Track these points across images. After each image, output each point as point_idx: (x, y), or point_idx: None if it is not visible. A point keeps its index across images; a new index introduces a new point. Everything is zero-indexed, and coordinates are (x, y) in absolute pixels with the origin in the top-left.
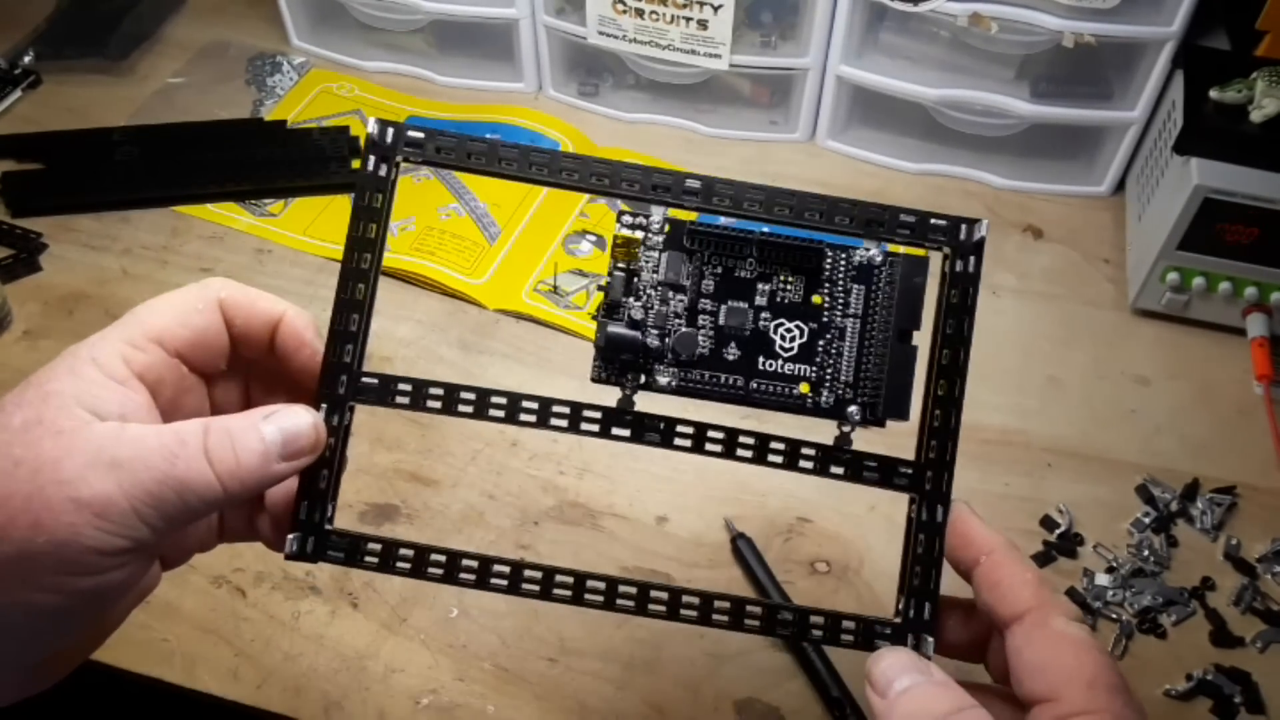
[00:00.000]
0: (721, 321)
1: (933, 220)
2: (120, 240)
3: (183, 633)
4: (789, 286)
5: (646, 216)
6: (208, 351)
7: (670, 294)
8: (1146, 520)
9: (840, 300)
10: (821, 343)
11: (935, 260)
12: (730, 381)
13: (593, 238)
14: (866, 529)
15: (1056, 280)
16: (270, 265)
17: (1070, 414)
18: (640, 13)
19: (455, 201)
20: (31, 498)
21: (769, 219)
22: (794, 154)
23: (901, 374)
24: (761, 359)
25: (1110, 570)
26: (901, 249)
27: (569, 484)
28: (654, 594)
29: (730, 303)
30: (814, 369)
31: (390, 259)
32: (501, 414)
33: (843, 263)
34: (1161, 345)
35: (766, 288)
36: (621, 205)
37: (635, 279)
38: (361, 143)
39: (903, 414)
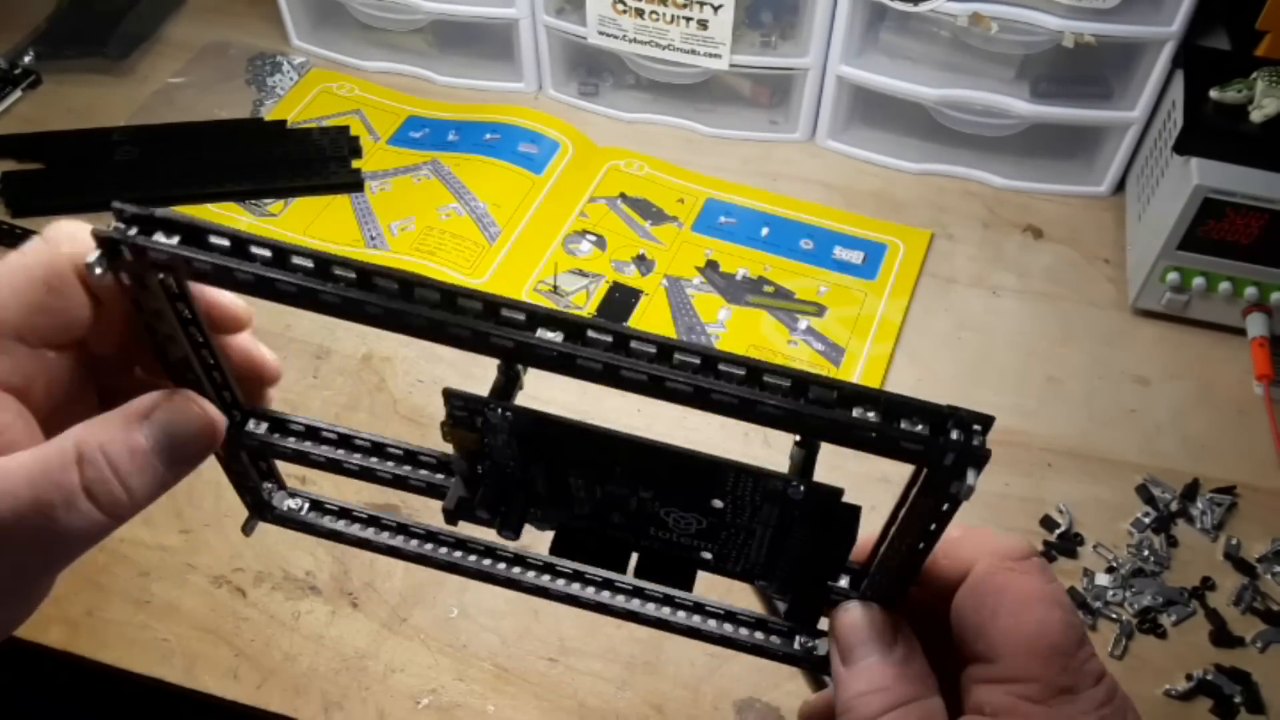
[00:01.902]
0: (599, 496)
1: (903, 443)
2: None
3: (183, 633)
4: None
5: (484, 408)
6: (62, 325)
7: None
8: (1147, 520)
9: (746, 513)
10: (725, 534)
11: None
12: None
13: (593, 238)
14: (866, 529)
15: (1056, 280)
16: None
17: (1070, 414)
18: (640, 13)
19: (455, 201)
20: None
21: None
22: (794, 154)
23: (815, 591)
24: (652, 528)
25: (1110, 570)
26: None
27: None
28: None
29: (606, 486)
30: (716, 546)
31: (390, 259)
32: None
33: (749, 486)
34: (1161, 345)
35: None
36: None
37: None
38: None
39: (811, 630)
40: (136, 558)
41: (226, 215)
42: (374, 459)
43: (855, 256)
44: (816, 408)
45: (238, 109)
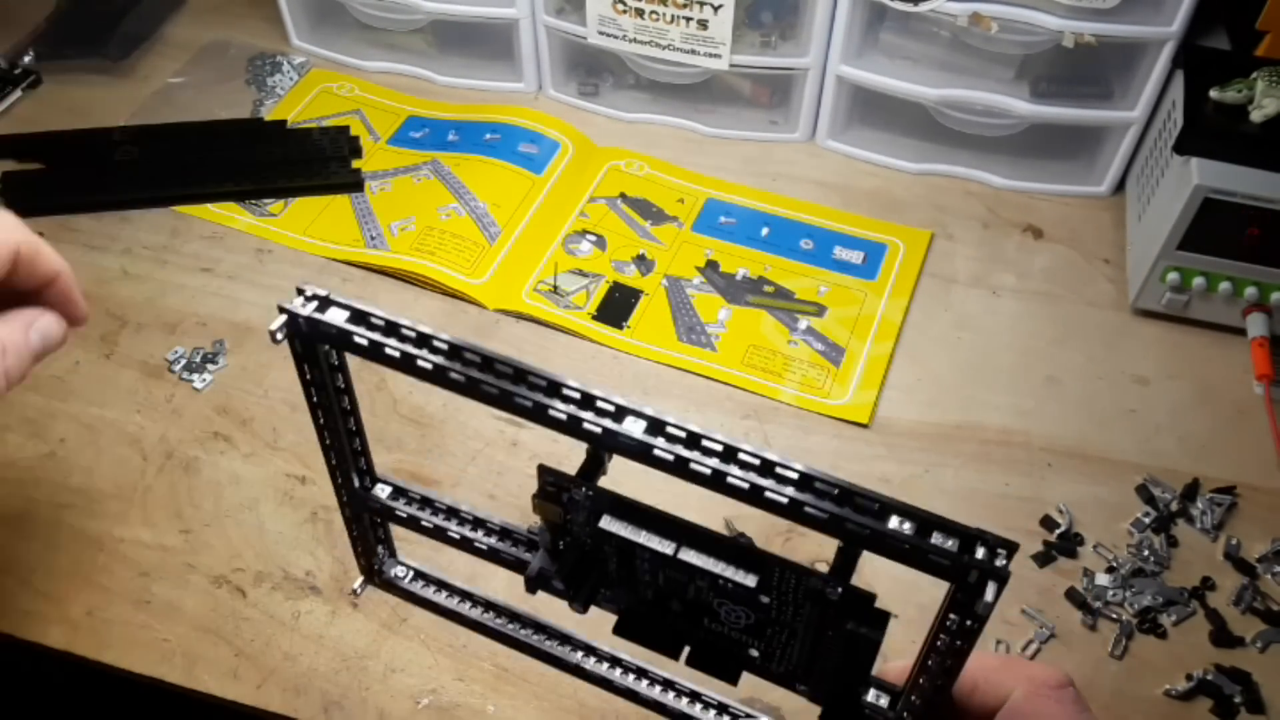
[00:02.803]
0: (661, 581)
1: (932, 556)
2: (120, 240)
3: (183, 633)
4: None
5: (571, 486)
6: None
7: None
8: (1147, 520)
9: (789, 610)
10: (770, 630)
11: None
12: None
13: (593, 238)
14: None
15: (1056, 280)
16: (270, 265)
17: (1070, 414)
18: (640, 13)
19: (455, 201)
20: None
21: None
22: (794, 154)
23: (847, 700)
24: (706, 619)
25: (1110, 570)
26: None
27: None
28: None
29: (667, 570)
30: (763, 644)
31: (390, 259)
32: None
33: (792, 582)
34: (1161, 345)
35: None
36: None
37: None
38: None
39: None
40: (137, 558)
41: (227, 215)
42: (476, 531)
43: (855, 256)
44: (858, 515)
45: (238, 109)
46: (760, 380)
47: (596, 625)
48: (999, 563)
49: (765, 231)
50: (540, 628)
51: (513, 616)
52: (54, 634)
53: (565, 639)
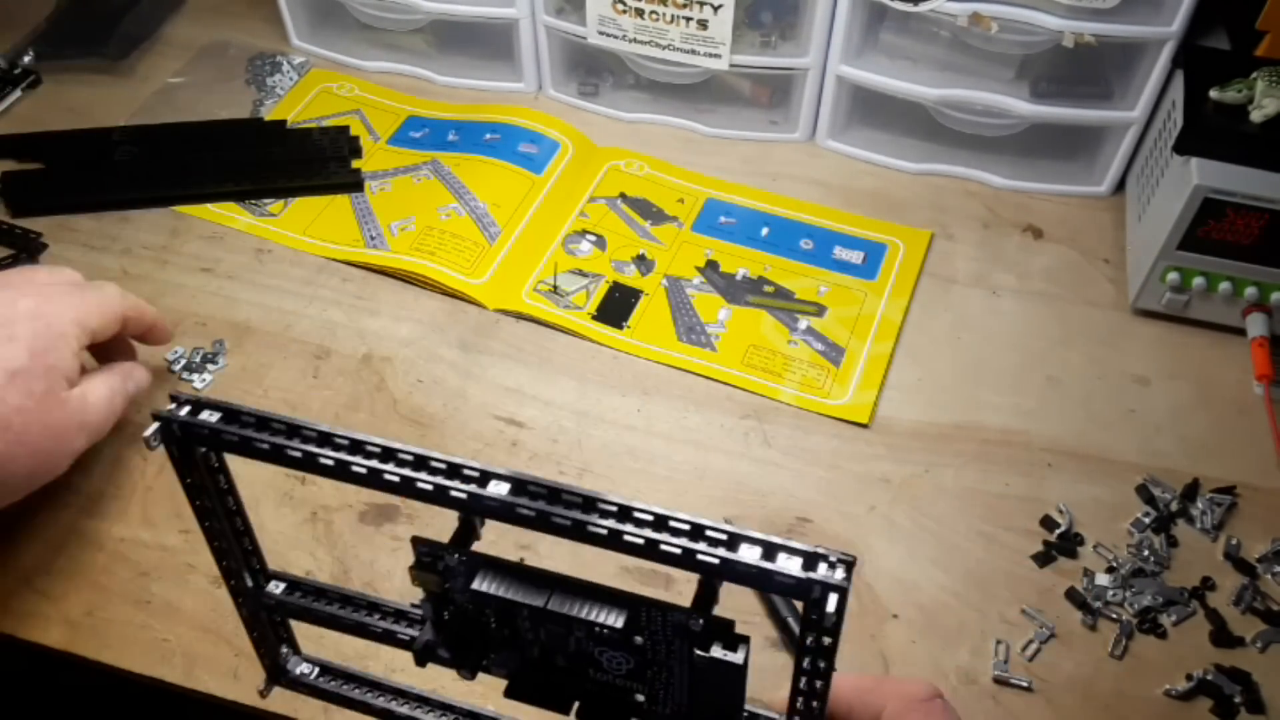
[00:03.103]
0: (543, 637)
1: (778, 578)
2: (120, 240)
3: (183, 633)
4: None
5: (444, 553)
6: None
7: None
8: (1146, 520)
9: (663, 649)
10: (650, 672)
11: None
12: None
13: (593, 237)
14: (866, 529)
15: (1056, 280)
16: (270, 265)
17: (1070, 414)
18: (640, 13)
19: (455, 201)
20: (52, 454)
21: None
22: (794, 154)
23: None
24: (591, 669)
25: (1110, 570)
26: (716, 653)
27: (569, 484)
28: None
29: (546, 625)
30: (646, 687)
31: (390, 259)
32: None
33: (660, 620)
34: (1161, 345)
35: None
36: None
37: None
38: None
39: None
40: (137, 558)
41: (226, 215)
42: (371, 615)
43: (855, 256)
44: (710, 547)
45: (238, 109)
46: (760, 380)
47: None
48: (837, 576)
49: (765, 231)
50: (449, 708)
51: (420, 700)
52: (54, 634)
53: (457, 711)
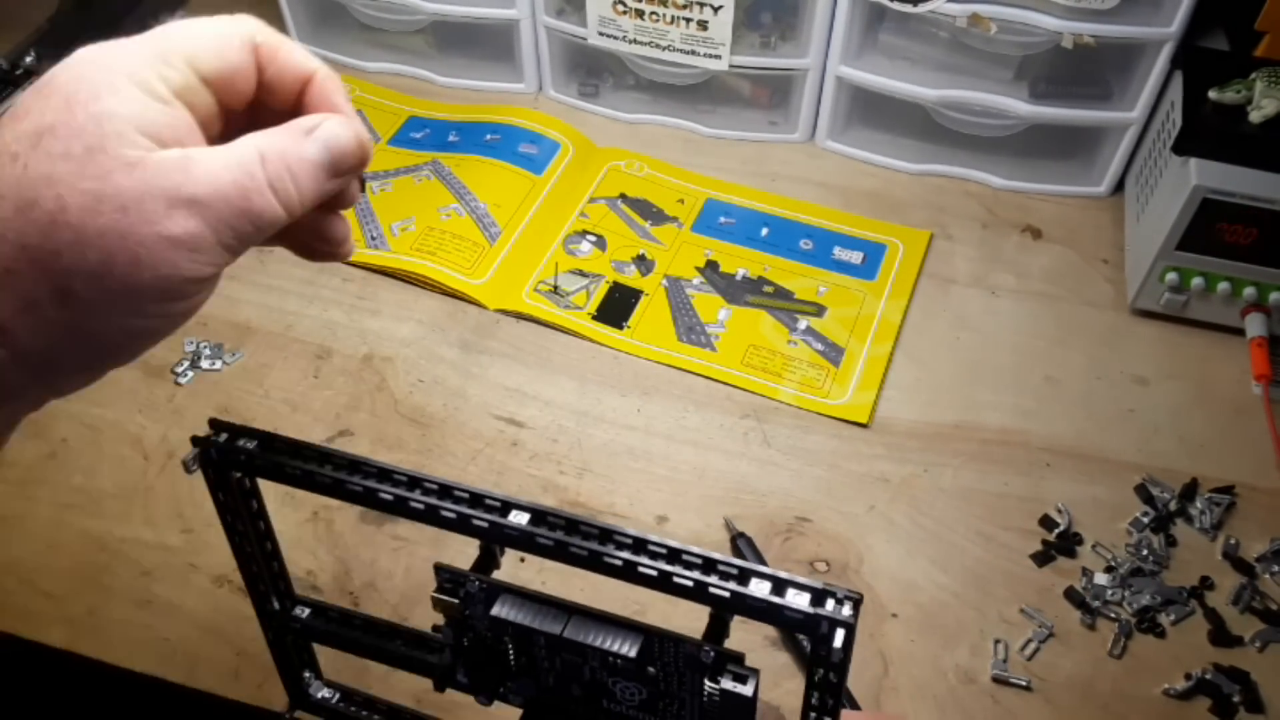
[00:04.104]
0: (559, 666)
1: (786, 613)
2: None
3: (184, 632)
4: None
5: (466, 580)
6: (233, 91)
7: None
8: (1145, 520)
9: (675, 680)
10: (663, 703)
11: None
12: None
13: (593, 238)
14: (866, 528)
15: (1055, 280)
16: (271, 265)
17: (1069, 414)
18: (640, 13)
19: (456, 202)
20: (126, 236)
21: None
22: (794, 154)
23: None
24: (605, 700)
25: (1109, 570)
26: (726, 683)
27: (569, 483)
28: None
29: (563, 653)
30: (657, 718)
31: (391, 259)
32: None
33: (672, 651)
34: (1160, 345)
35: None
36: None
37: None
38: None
39: None
40: (138, 557)
41: None
42: (393, 641)
43: (854, 257)
44: (721, 581)
45: None
46: (760, 380)
47: None
48: (845, 612)
49: (765, 232)
50: None
51: None
52: (55, 634)
53: None
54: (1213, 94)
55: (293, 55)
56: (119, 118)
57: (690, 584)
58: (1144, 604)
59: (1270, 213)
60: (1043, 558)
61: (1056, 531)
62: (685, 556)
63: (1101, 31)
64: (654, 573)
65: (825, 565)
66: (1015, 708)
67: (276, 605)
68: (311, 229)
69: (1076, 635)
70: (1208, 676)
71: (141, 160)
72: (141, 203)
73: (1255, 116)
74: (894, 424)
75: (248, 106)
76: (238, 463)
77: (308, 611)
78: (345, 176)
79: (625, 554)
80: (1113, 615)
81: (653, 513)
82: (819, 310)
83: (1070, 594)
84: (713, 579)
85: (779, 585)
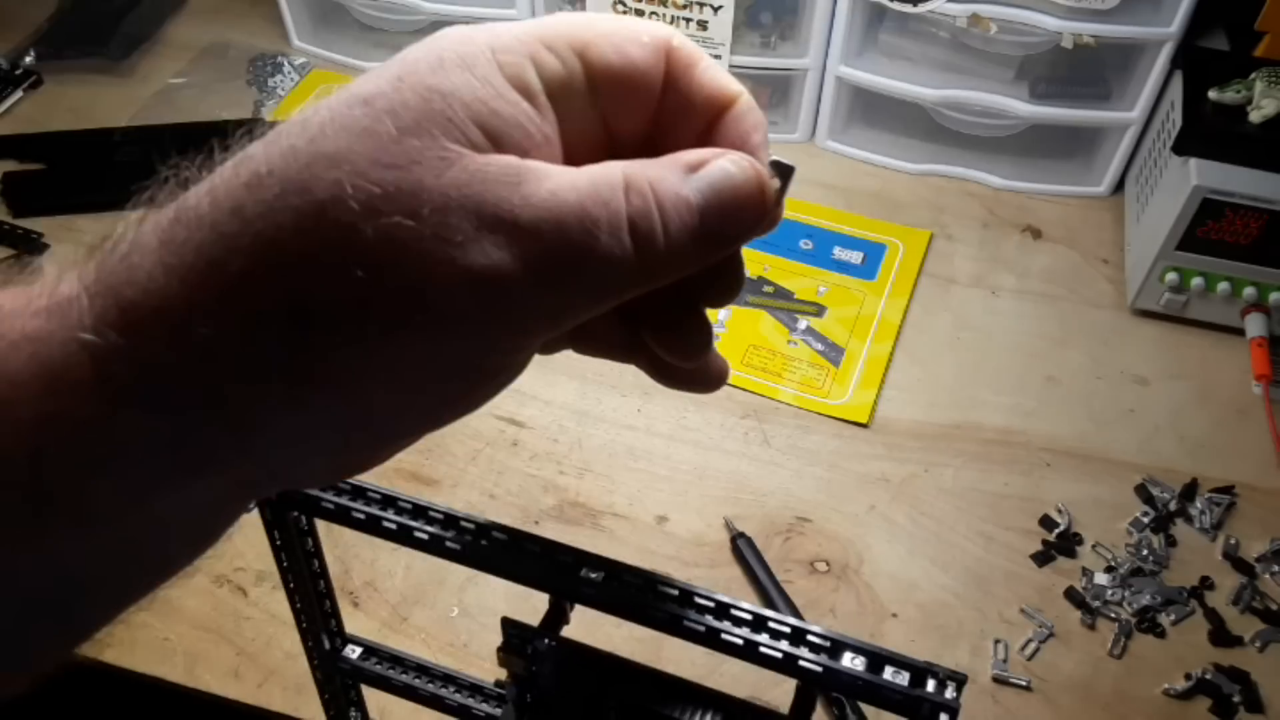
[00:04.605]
0: None
1: (886, 692)
2: None
3: (184, 632)
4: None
5: (534, 637)
6: (627, 103)
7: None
8: (1145, 520)
9: None
10: None
11: None
12: None
13: None
14: (866, 528)
15: (1055, 280)
16: None
17: (1069, 414)
18: (640, 13)
19: None
20: (406, 250)
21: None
22: (794, 154)
23: None
24: None
25: (1109, 570)
26: None
27: (569, 483)
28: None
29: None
30: None
31: None
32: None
33: None
34: (1160, 345)
35: None
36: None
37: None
38: None
39: None
40: None
41: None
42: (446, 687)
43: (855, 256)
44: (812, 654)
45: (239, 110)
46: (760, 380)
47: None
48: (949, 694)
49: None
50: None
51: None
52: None
53: None
54: (1213, 94)
55: (713, 73)
56: (454, 99)
57: (779, 655)
58: (1144, 604)
59: (1270, 212)
60: (1043, 558)
61: (1057, 531)
62: (771, 623)
63: (1101, 31)
64: (739, 641)
65: (825, 565)
66: (1015, 708)
67: (327, 645)
68: (664, 320)
69: (1076, 635)
70: (1208, 676)
71: (460, 158)
72: (444, 213)
73: (1255, 116)
74: (894, 424)
75: (636, 138)
76: (295, 502)
77: (359, 651)
78: (727, 242)
79: (709, 619)
80: (1113, 615)
81: (653, 513)
82: (819, 310)
83: (1070, 594)
84: (803, 650)
85: (875, 661)
